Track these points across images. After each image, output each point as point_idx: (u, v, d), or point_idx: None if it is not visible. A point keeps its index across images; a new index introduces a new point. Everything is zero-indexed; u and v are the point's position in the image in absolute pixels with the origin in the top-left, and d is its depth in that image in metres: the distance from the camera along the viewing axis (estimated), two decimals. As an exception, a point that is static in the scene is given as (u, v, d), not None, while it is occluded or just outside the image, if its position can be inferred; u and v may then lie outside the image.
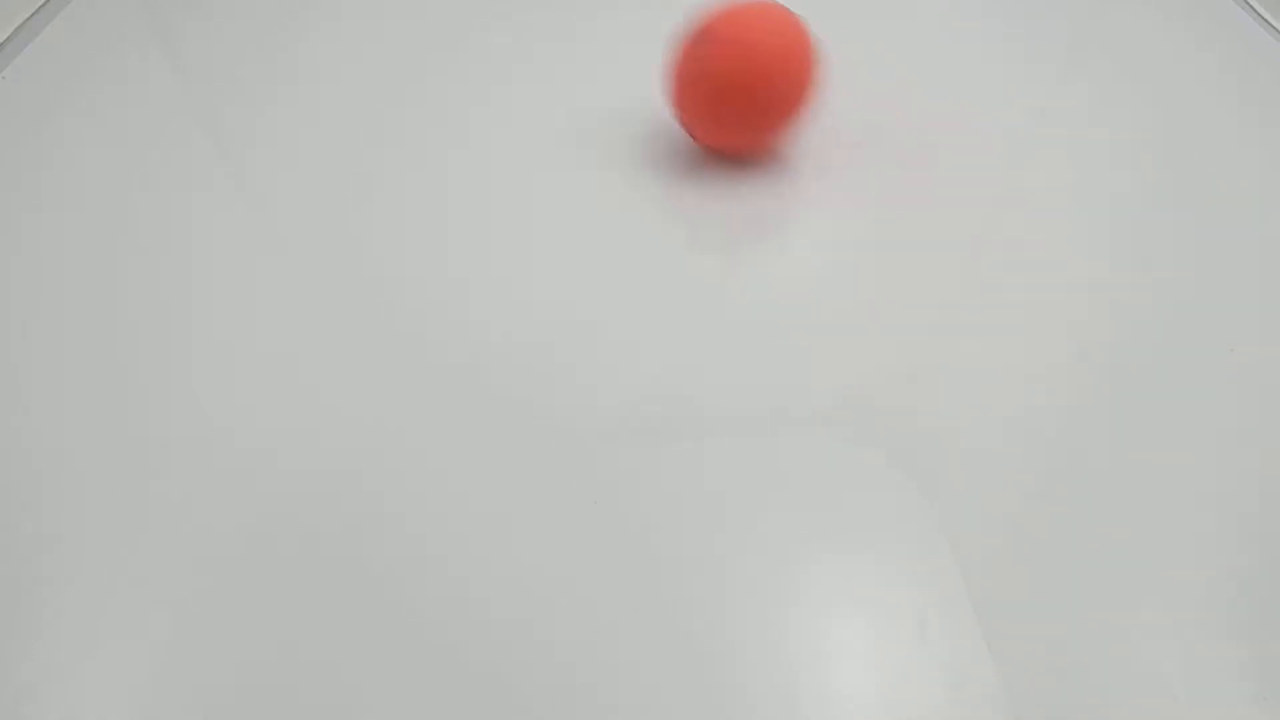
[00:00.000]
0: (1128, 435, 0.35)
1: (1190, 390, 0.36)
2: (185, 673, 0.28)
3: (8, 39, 0.53)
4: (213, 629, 0.29)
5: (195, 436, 0.34)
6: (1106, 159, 0.47)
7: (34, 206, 0.43)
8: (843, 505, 0.32)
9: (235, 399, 0.35)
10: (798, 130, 0.43)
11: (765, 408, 0.35)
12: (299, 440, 0.34)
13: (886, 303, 0.39)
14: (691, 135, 0.44)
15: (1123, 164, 0.47)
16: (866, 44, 0.48)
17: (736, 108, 0.41)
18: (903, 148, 0.46)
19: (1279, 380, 0.36)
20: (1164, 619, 0.30)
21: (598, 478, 0.33)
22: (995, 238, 0.43)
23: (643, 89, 0.44)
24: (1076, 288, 0.40)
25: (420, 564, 0.30)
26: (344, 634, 0.28)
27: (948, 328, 0.39)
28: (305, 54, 0.53)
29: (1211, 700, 0.28)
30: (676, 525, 0.31)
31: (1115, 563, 0.31)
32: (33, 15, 0.55)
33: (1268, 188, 0.45)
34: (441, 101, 0.49)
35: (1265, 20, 0.56)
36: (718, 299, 0.39)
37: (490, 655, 0.28)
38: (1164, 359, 0.37)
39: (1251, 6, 0.57)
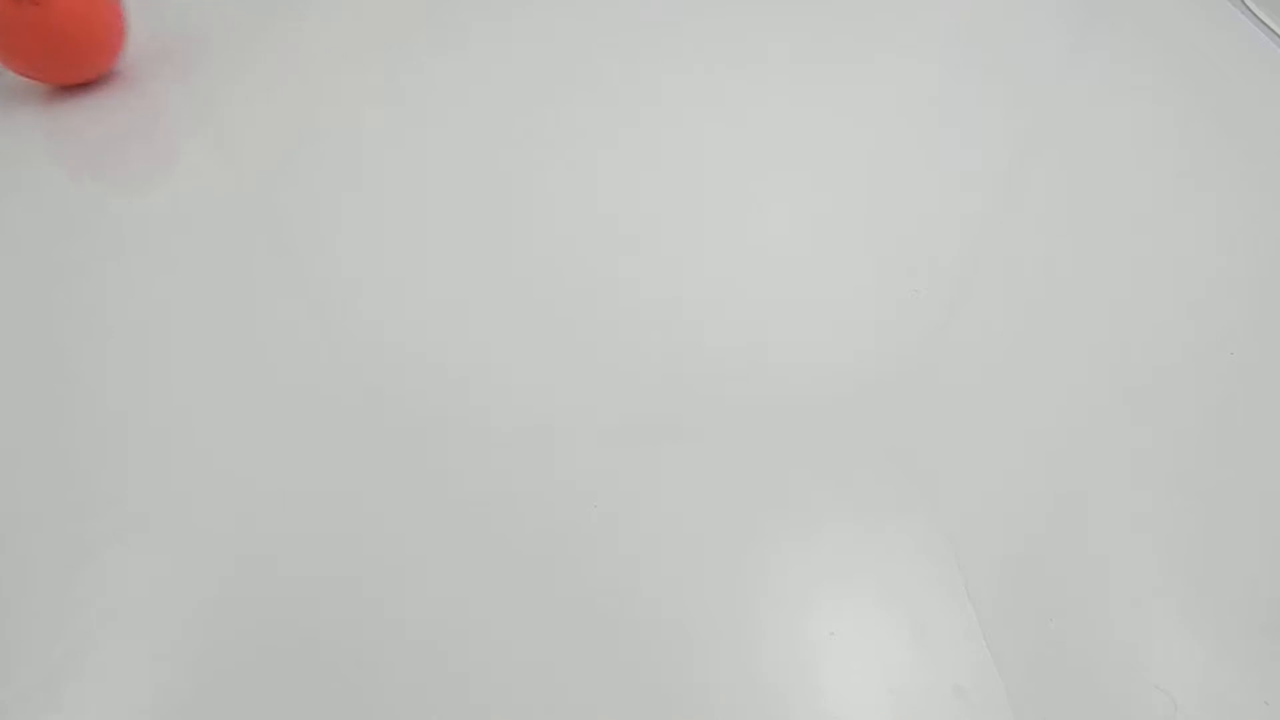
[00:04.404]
0: (1129, 436, 0.34)
1: (1189, 392, 0.36)
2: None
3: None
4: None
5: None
6: (1103, 160, 0.47)
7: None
8: (844, 504, 0.32)
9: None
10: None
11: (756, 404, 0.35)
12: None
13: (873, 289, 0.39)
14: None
15: (1118, 165, 0.47)
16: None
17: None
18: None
19: (1277, 383, 0.36)
20: (1166, 622, 0.29)
21: (590, 483, 0.33)
22: (999, 242, 0.43)
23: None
24: (1074, 289, 0.40)
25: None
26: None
27: (949, 325, 0.39)
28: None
29: (1214, 704, 0.27)
30: (676, 536, 0.31)
31: (1117, 565, 0.30)
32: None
33: (1266, 190, 0.45)
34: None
35: (1265, 24, 0.56)
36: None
37: None
38: (1163, 360, 0.37)
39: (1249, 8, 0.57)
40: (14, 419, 0.35)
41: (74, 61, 0.50)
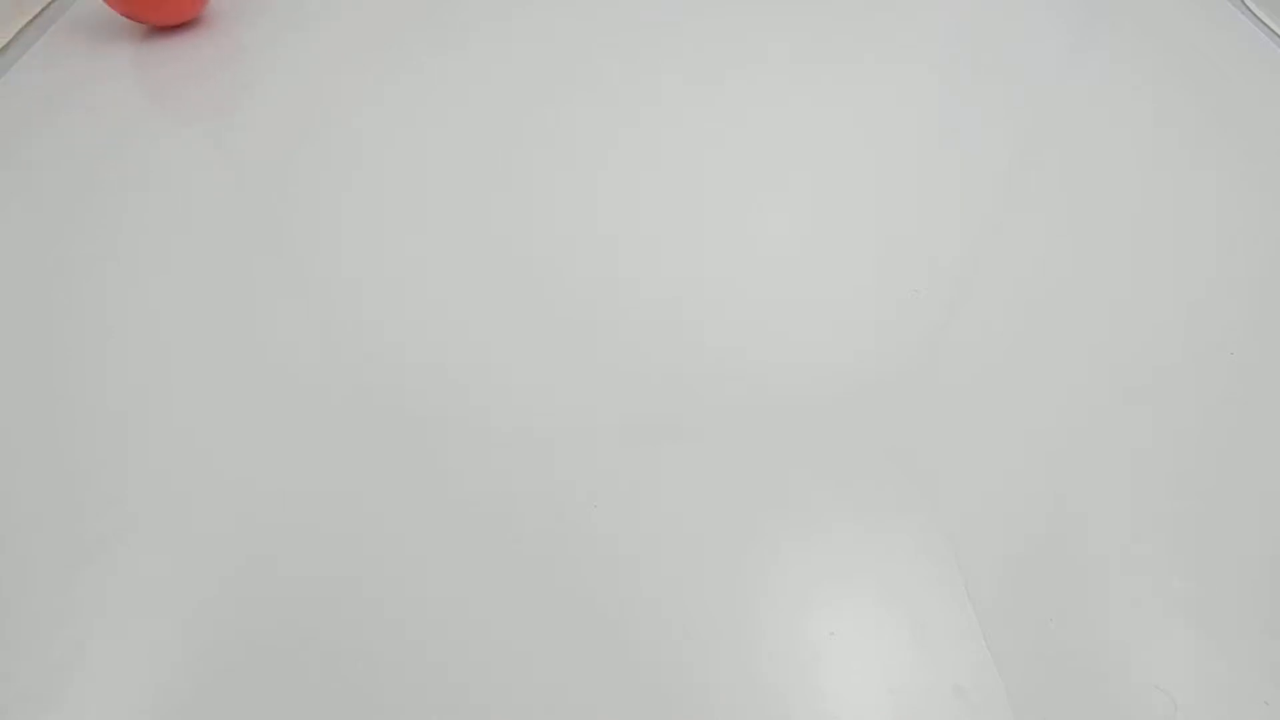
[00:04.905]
0: (1129, 436, 0.34)
1: (1189, 392, 0.36)
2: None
3: (7, 45, 0.53)
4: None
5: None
6: (1102, 161, 0.47)
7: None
8: (844, 504, 0.32)
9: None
10: None
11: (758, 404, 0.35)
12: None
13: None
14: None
15: (1117, 165, 0.47)
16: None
17: None
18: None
19: (1277, 383, 0.36)
20: (1166, 622, 0.29)
21: (590, 483, 0.33)
22: (999, 242, 0.43)
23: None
24: (1074, 289, 0.40)
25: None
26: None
27: (949, 325, 0.39)
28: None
29: (1214, 704, 0.27)
30: (676, 535, 0.31)
31: (1117, 565, 0.30)
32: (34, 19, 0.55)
33: (1266, 190, 0.45)
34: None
35: (1265, 24, 0.56)
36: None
37: None
38: (1163, 360, 0.37)
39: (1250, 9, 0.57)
40: (15, 419, 0.35)
41: (168, 4, 0.54)
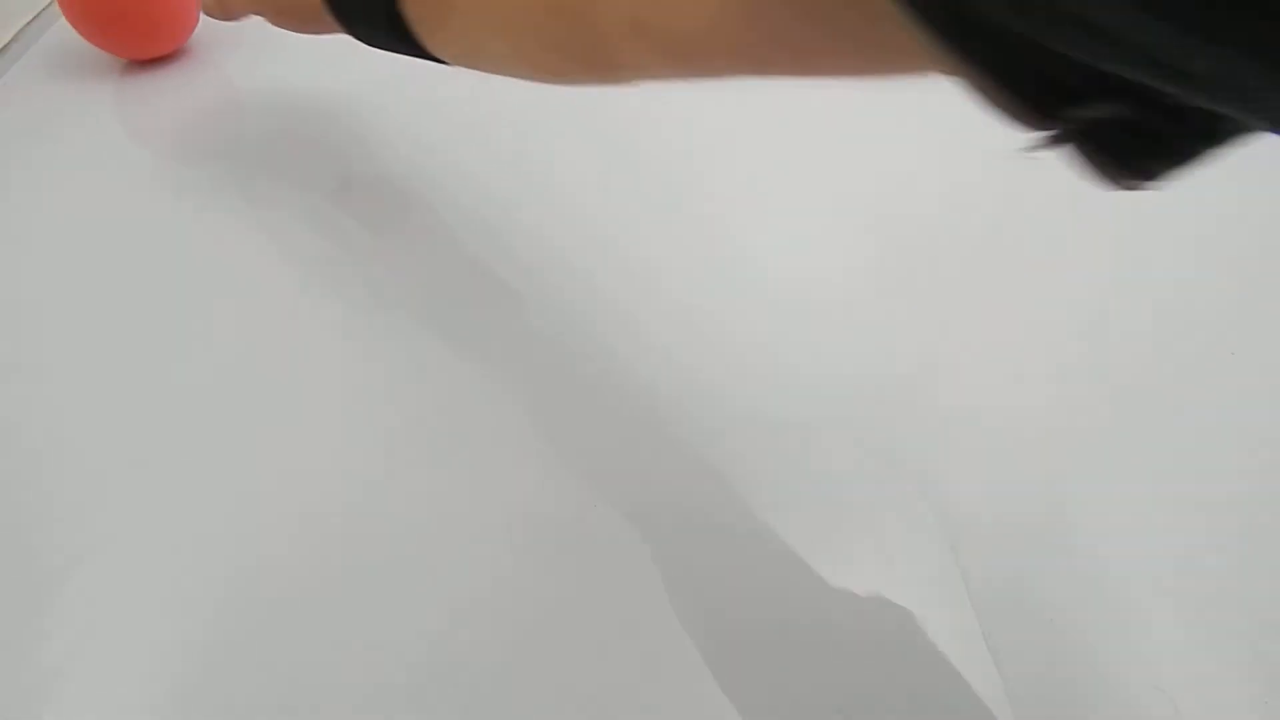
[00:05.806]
0: (1128, 436, 0.34)
1: (1191, 391, 0.36)
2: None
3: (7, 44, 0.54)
4: None
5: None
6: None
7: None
8: (845, 504, 0.32)
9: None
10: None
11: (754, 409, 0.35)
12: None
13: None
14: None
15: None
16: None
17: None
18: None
19: (1278, 383, 0.36)
20: (1166, 622, 0.29)
21: (592, 482, 0.33)
22: (1000, 242, 0.43)
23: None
24: (1074, 289, 0.40)
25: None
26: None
27: (949, 326, 0.39)
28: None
29: (1214, 704, 0.27)
30: (677, 536, 0.31)
31: (1116, 565, 0.30)
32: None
33: (1265, 189, 0.45)
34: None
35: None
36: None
37: None
38: (1165, 360, 0.37)
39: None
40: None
41: (149, 37, 0.52)
